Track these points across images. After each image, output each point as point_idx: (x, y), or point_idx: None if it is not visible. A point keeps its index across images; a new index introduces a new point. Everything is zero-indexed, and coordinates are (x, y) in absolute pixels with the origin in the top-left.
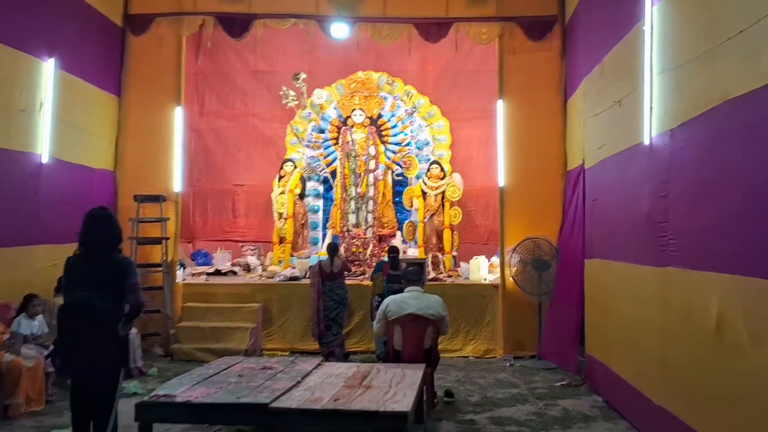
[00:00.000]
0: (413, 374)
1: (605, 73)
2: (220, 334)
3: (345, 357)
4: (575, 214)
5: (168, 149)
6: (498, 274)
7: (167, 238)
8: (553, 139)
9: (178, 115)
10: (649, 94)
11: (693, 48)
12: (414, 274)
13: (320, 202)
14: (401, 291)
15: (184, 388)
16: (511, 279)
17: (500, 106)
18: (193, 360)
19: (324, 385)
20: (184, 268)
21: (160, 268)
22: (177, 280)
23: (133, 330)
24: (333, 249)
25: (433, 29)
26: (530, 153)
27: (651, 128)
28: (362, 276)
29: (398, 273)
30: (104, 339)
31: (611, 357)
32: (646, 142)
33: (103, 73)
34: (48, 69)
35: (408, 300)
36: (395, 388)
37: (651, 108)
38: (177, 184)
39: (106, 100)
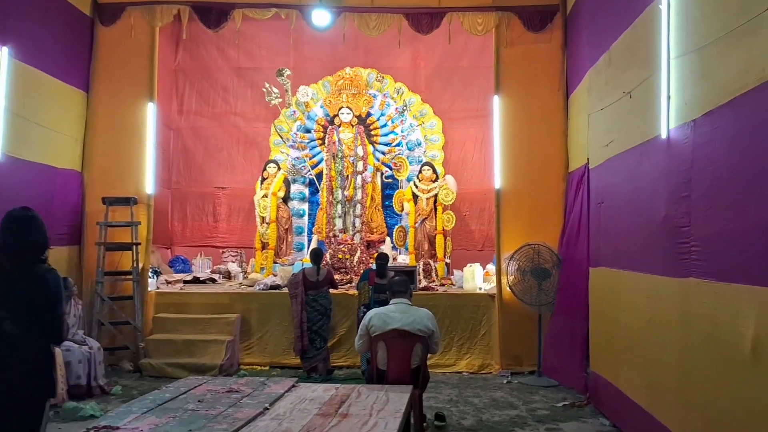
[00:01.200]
0: (398, 398)
1: (613, 62)
2: (194, 347)
3: (329, 373)
4: (579, 219)
5: (140, 148)
6: (494, 283)
7: (138, 244)
8: (554, 138)
9: (150, 112)
10: (666, 82)
11: (720, 25)
12: (400, 284)
13: (306, 206)
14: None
15: (130, 418)
16: (508, 288)
17: (497, 102)
18: (163, 376)
19: (295, 412)
20: (158, 276)
21: (130, 276)
22: (149, 289)
23: (95, 344)
24: (317, 256)
25: (425, 20)
26: (529, 153)
27: (669, 120)
28: (348, 285)
29: (385, 283)
30: (19, 371)
31: (620, 377)
32: (663, 135)
33: (68, 66)
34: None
35: (393, 314)
36: (376, 417)
37: (668, 97)
38: (149, 185)
39: (73, 95)
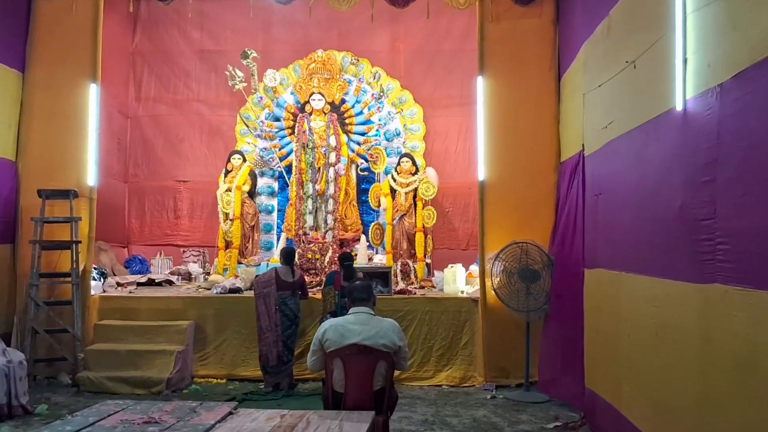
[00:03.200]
0: (355, 429)
1: (613, 29)
2: (139, 359)
3: (291, 387)
4: (573, 214)
5: (82, 135)
6: (478, 286)
7: (78, 242)
8: (545, 124)
9: (93, 95)
10: (681, 41)
11: None
12: (360, 290)
13: (274, 201)
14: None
15: None
16: (492, 292)
17: (481, 84)
18: (103, 392)
19: None
20: (104, 278)
21: (69, 279)
22: (92, 293)
23: (17, 357)
24: (290, 255)
25: None
26: (516, 140)
27: (685, 88)
28: (318, 287)
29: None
30: None
31: (622, 398)
32: (678, 107)
33: (1, 43)
34: None
35: (352, 325)
36: None
37: (685, 60)
38: (91, 176)
39: (6, 75)
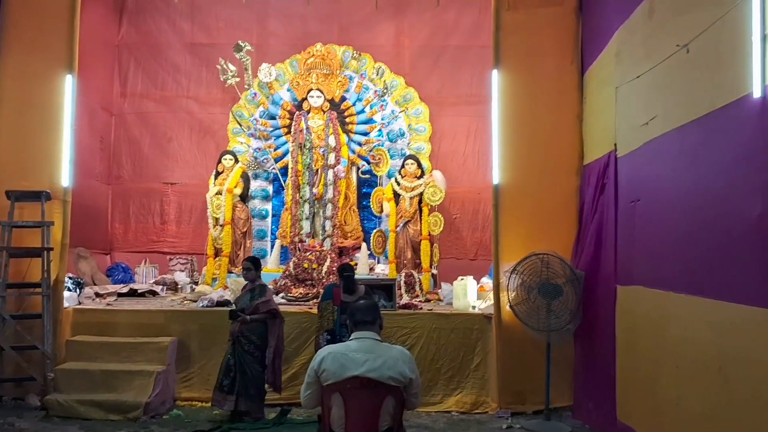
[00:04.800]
0: None
1: (657, 10)
2: (115, 380)
3: (283, 414)
4: (601, 223)
5: (55, 131)
6: (491, 301)
7: (50, 249)
8: (566, 123)
9: (69, 86)
10: (759, 14)
11: None
12: (365, 310)
13: (269, 206)
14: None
15: None
16: (508, 308)
17: (496, 79)
18: (73, 417)
19: None
20: (81, 288)
21: (39, 290)
22: (65, 305)
23: None
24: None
25: None
26: (535, 141)
27: (765, 70)
28: (315, 300)
29: (355, 301)
30: None
31: None
32: (756, 93)
33: None
34: None
35: (354, 354)
36: None
37: (764, 36)
38: (66, 177)
39: None
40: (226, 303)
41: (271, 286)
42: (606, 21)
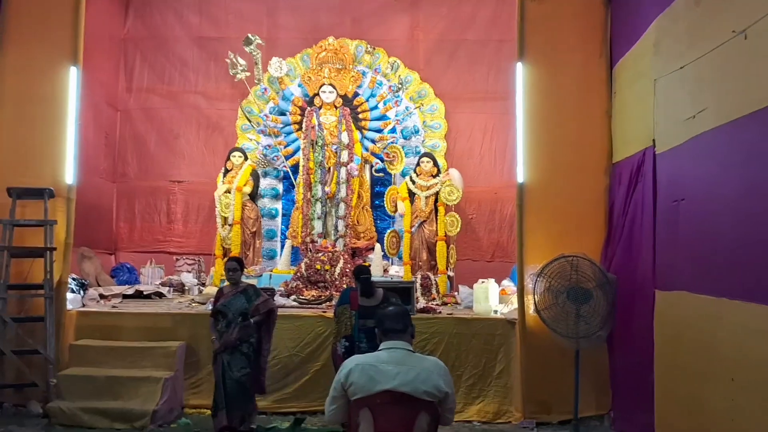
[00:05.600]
0: None
1: None
2: (121, 387)
3: (298, 423)
4: (636, 223)
5: (59, 125)
6: (514, 305)
7: (53, 249)
8: (594, 119)
9: (73, 79)
10: None
11: None
12: (395, 317)
13: (279, 205)
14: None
15: None
16: (534, 313)
17: (520, 71)
18: (77, 426)
19: None
20: (85, 289)
21: (42, 291)
22: (68, 307)
23: None
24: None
25: None
26: (561, 137)
27: None
28: (327, 303)
29: (373, 305)
30: None
31: None
32: None
33: None
34: None
35: (385, 366)
36: None
37: None
38: (69, 174)
39: None
40: None
41: (281, 288)
42: (641, 10)
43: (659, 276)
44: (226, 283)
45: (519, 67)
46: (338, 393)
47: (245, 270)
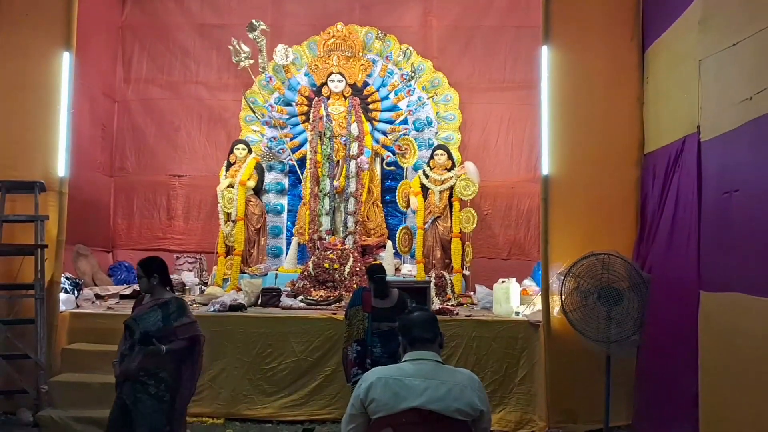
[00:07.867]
0: None
1: None
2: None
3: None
4: (680, 218)
5: (50, 115)
6: (537, 306)
7: (44, 246)
8: (625, 106)
9: (66, 65)
10: None
11: None
12: (423, 325)
13: (284, 200)
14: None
15: None
16: (560, 315)
17: (545, 55)
18: None
19: None
20: (80, 289)
21: (32, 292)
22: (61, 309)
23: None
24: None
25: None
26: (589, 127)
27: None
28: (337, 304)
29: (388, 307)
30: None
31: None
32: None
33: None
34: None
35: (411, 380)
36: None
37: None
38: (62, 166)
39: None
40: (240, 307)
41: (288, 288)
42: None
43: (705, 276)
44: None
45: (544, 51)
46: (357, 410)
47: (249, 269)
